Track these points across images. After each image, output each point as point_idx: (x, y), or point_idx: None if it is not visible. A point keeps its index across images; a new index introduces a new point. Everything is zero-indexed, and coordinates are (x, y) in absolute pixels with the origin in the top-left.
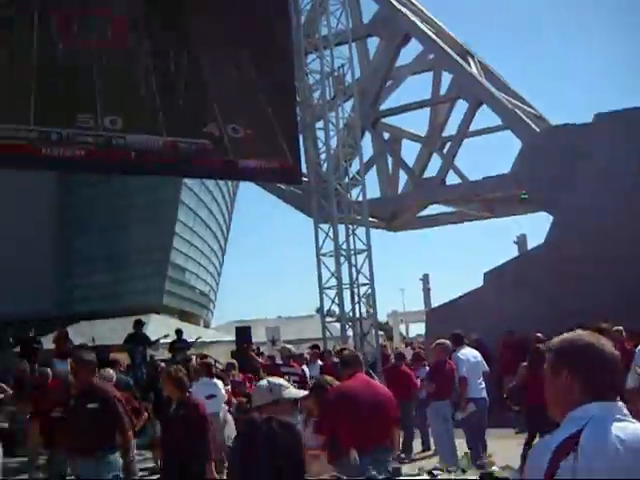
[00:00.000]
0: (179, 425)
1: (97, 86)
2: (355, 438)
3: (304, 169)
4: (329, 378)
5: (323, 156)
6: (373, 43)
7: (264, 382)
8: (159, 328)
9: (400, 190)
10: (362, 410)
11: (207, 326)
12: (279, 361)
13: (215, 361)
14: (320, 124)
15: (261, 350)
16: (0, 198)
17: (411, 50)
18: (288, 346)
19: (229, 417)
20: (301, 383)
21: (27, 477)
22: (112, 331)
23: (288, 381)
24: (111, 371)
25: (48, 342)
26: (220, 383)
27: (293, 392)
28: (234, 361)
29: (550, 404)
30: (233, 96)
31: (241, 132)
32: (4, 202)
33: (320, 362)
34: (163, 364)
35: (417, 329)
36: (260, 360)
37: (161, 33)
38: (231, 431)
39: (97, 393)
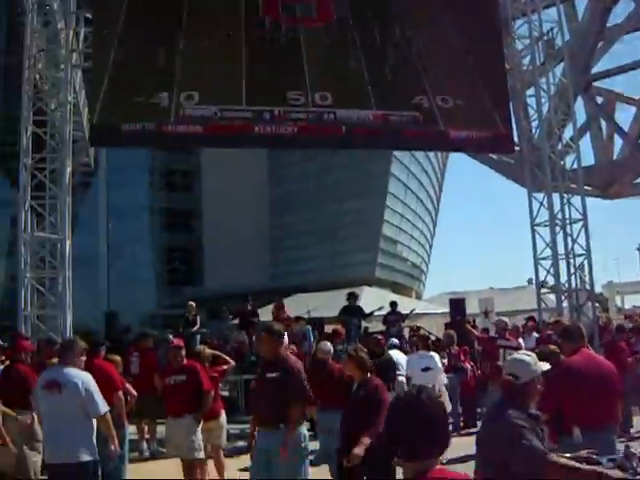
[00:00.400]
0: (359, 406)
1: (305, 64)
2: (579, 416)
3: (515, 138)
4: (552, 347)
5: (535, 123)
6: (581, 4)
7: (524, 357)
8: (372, 300)
9: (615, 156)
10: (587, 387)
11: (419, 298)
12: (493, 334)
13: (429, 333)
14: (531, 91)
15: (476, 322)
16: (214, 176)
17: (621, 9)
18: (504, 318)
19: (444, 390)
20: None
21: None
22: (326, 303)
23: (504, 355)
24: (328, 344)
25: (264, 314)
26: (436, 356)
27: (544, 366)
28: (453, 334)
29: None
30: (441, 66)
31: (450, 102)
32: (218, 180)
33: (536, 334)
34: (380, 336)
35: (633, 300)
36: (475, 332)
37: (366, 7)
38: (446, 403)
39: (280, 363)
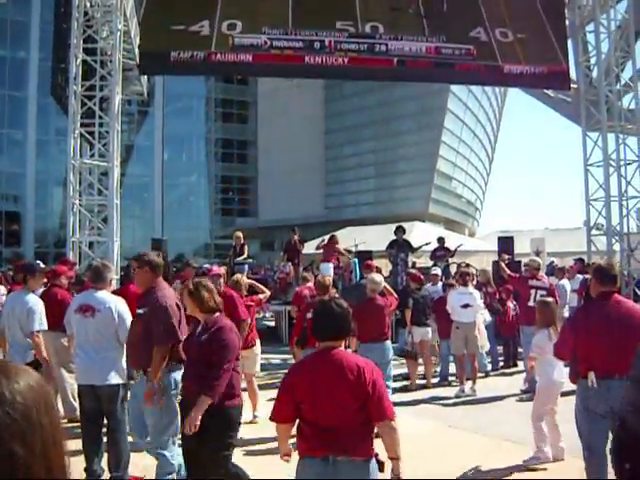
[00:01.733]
0: (199, 355)
1: None
2: (591, 363)
3: (573, 75)
4: None
5: (593, 61)
6: None
7: None
8: (424, 236)
9: None
10: (601, 334)
11: (472, 235)
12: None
13: (476, 270)
14: (590, 27)
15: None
16: (270, 107)
17: None
18: (536, 258)
19: (482, 328)
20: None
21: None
22: (377, 237)
23: (535, 295)
24: (378, 277)
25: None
26: (477, 292)
27: None
28: (488, 271)
29: None
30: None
31: (509, 36)
32: (274, 111)
33: (580, 276)
34: (413, 271)
35: None
36: (507, 272)
37: None
38: (484, 342)
39: (149, 298)
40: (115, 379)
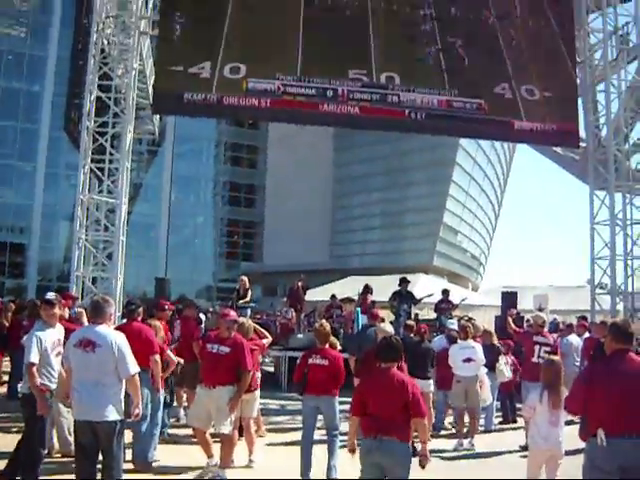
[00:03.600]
0: None
1: (372, 39)
2: (603, 419)
3: (582, 133)
4: None
5: (602, 120)
6: None
7: None
8: (427, 288)
9: None
10: (613, 392)
11: (475, 289)
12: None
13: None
14: (601, 86)
15: (525, 317)
16: (280, 153)
17: None
18: (541, 314)
19: (486, 381)
20: (552, 354)
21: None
22: (380, 287)
23: (539, 351)
24: (388, 326)
25: (322, 293)
26: (478, 347)
27: None
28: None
29: None
30: (515, 57)
31: (536, 94)
32: (283, 157)
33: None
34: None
35: None
36: (513, 326)
37: None
38: (487, 395)
39: None
40: (113, 415)
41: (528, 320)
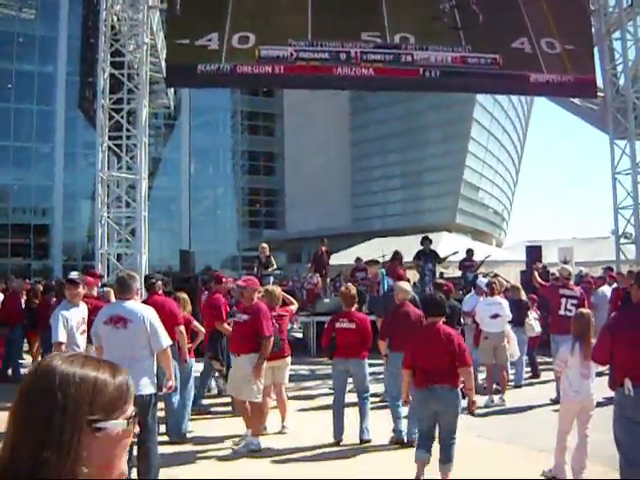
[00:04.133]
0: None
1: (384, 2)
2: (629, 370)
3: (599, 83)
4: None
5: (620, 68)
6: None
7: None
8: (451, 246)
9: None
10: (638, 339)
11: (499, 245)
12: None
13: (506, 281)
14: (617, 34)
15: (550, 270)
16: (296, 119)
17: None
18: (567, 267)
19: (512, 336)
20: (579, 306)
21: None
22: (405, 248)
23: (566, 304)
24: (407, 285)
25: (345, 257)
26: (505, 303)
27: None
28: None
29: None
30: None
31: (557, 47)
32: (300, 123)
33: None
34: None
35: None
36: (538, 280)
37: None
38: (514, 350)
39: None
40: (148, 389)
41: (554, 274)
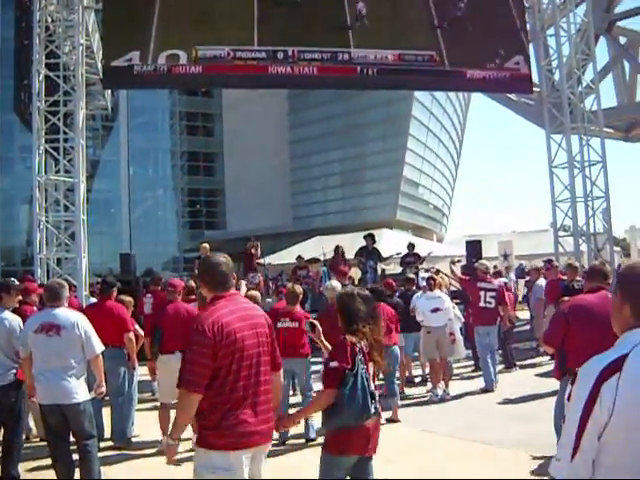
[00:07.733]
0: None
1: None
2: (582, 357)
3: (535, 79)
4: None
5: (554, 64)
6: None
7: None
8: (393, 243)
9: (638, 98)
10: (592, 329)
11: (440, 241)
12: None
13: (447, 276)
14: (551, 31)
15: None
16: (235, 119)
17: None
18: (484, 262)
19: (458, 335)
20: (498, 298)
21: None
22: (346, 245)
23: (485, 296)
24: (334, 282)
25: (286, 256)
26: (445, 297)
27: None
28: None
29: (612, 322)
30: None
31: (468, 42)
32: (239, 123)
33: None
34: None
35: None
36: (458, 274)
37: None
38: (459, 347)
39: None
40: (80, 396)
41: (495, 266)
